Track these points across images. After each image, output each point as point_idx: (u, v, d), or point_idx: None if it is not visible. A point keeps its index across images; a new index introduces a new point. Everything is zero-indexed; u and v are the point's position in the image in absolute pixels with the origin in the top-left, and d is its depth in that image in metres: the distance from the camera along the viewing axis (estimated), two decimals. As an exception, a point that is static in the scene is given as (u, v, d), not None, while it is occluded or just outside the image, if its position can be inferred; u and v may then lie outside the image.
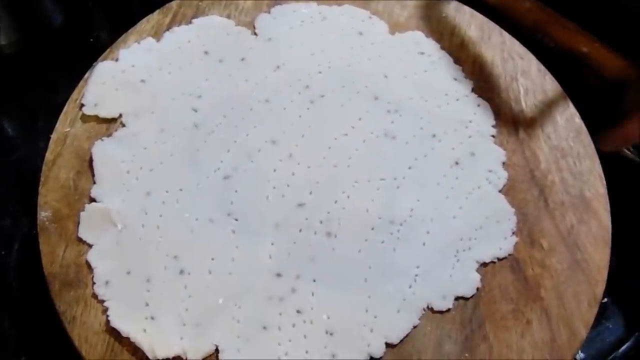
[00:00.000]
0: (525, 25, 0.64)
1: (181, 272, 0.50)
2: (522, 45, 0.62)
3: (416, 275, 0.50)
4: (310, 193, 0.53)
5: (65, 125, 0.56)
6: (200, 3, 0.63)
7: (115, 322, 0.48)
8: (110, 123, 0.56)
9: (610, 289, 0.52)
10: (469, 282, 0.51)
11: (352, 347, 0.48)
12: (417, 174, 0.55)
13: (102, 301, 0.49)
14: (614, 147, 0.59)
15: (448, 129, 0.57)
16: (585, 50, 0.61)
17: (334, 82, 0.59)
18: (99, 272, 0.50)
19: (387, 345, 0.48)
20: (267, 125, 0.56)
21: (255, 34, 0.62)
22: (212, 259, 0.50)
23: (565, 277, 0.51)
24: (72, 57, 0.69)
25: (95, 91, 0.57)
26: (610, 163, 0.57)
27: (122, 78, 0.58)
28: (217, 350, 0.47)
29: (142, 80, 0.58)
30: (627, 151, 0.61)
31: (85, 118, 0.56)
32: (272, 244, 0.51)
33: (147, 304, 0.49)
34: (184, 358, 0.47)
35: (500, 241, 0.52)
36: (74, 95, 0.57)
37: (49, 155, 0.55)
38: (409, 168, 0.55)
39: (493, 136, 0.57)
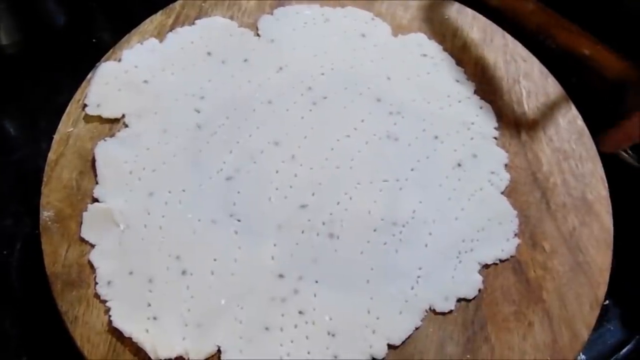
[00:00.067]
0: (528, 26, 0.64)
1: (183, 272, 0.50)
2: (524, 48, 0.62)
3: (418, 277, 0.50)
4: (313, 194, 0.53)
5: (67, 126, 0.56)
6: (203, 4, 0.63)
7: (118, 322, 0.48)
8: (113, 123, 0.56)
9: (612, 291, 0.52)
10: (471, 283, 0.51)
11: (354, 348, 0.48)
12: (420, 176, 0.55)
13: (105, 301, 0.49)
14: (614, 147, 0.59)
15: (450, 131, 0.57)
16: (587, 51, 0.61)
17: (336, 83, 0.59)
18: (101, 272, 0.50)
19: (389, 346, 0.48)
20: (270, 127, 0.56)
21: (258, 35, 0.62)
22: (215, 260, 0.51)
23: (567, 279, 0.51)
24: (75, 57, 0.69)
25: (98, 91, 0.57)
26: (612, 165, 0.57)
27: (125, 78, 0.58)
28: (219, 351, 0.47)
29: (145, 81, 0.58)
30: (625, 154, 0.61)
31: (88, 118, 0.56)
32: (275, 245, 0.51)
33: (149, 304, 0.49)
34: (186, 358, 0.47)
35: (502, 243, 0.52)
36: (77, 95, 0.57)
37: (51, 156, 0.55)
38: (412, 170, 0.55)
39: (495, 138, 0.57)
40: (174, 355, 0.47)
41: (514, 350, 0.48)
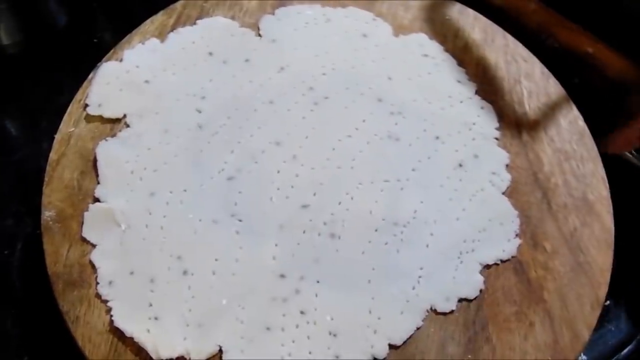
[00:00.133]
0: (530, 26, 0.64)
1: (185, 272, 0.50)
2: (525, 48, 0.62)
3: (419, 277, 0.50)
4: (314, 194, 0.53)
5: (69, 126, 0.56)
6: (204, 4, 0.63)
7: (119, 322, 0.48)
8: (115, 123, 0.56)
9: (613, 291, 0.52)
10: (472, 284, 0.51)
11: (356, 348, 0.48)
12: (421, 176, 0.55)
13: (106, 301, 0.49)
14: (619, 149, 0.59)
15: (451, 131, 0.57)
16: (589, 50, 0.61)
17: (337, 83, 0.59)
18: (102, 272, 0.50)
19: (391, 346, 0.48)
20: (271, 127, 0.56)
21: (260, 35, 0.62)
22: (216, 260, 0.50)
23: (568, 279, 0.51)
24: (76, 57, 0.69)
25: (99, 91, 0.57)
26: (613, 166, 0.57)
27: (126, 78, 0.58)
28: (220, 351, 0.47)
29: (146, 81, 0.58)
30: (629, 155, 0.61)
31: (89, 118, 0.56)
32: (276, 245, 0.51)
33: (150, 304, 0.49)
34: (188, 358, 0.47)
35: (503, 243, 0.52)
36: (78, 95, 0.57)
37: (53, 155, 0.55)
38: (413, 170, 0.55)
39: (496, 138, 0.57)
40: (175, 355, 0.47)
41: (515, 351, 0.48)
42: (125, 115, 0.57)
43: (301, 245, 0.51)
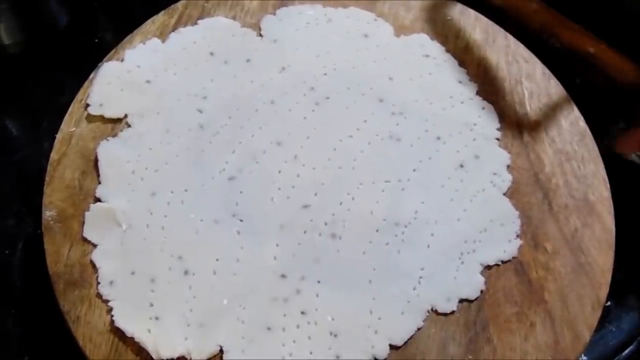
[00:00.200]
0: (531, 26, 0.64)
1: (186, 272, 0.50)
2: (526, 49, 0.62)
3: (420, 277, 0.50)
4: (315, 194, 0.53)
5: (70, 125, 0.56)
6: (205, 4, 0.63)
7: (120, 322, 0.48)
8: (116, 123, 0.56)
9: (614, 292, 0.52)
10: (473, 284, 0.51)
11: (356, 349, 0.48)
12: (422, 176, 0.55)
13: (107, 301, 0.49)
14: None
15: (453, 132, 0.57)
16: (591, 50, 0.61)
17: (339, 84, 0.59)
18: (103, 272, 0.50)
19: (391, 347, 0.48)
20: (273, 127, 0.56)
21: (261, 35, 0.62)
22: (217, 260, 0.51)
23: (569, 280, 0.51)
24: (77, 57, 0.69)
25: (101, 91, 0.57)
26: (614, 166, 0.57)
27: (127, 78, 0.58)
28: (221, 351, 0.47)
29: (148, 81, 0.58)
30: (634, 156, 0.61)
31: (90, 118, 0.56)
32: (277, 245, 0.51)
33: (151, 304, 0.49)
34: (188, 358, 0.47)
35: (504, 244, 0.52)
36: (79, 95, 0.57)
37: (54, 155, 0.55)
38: (414, 170, 0.55)
39: (497, 139, 0.57)
40: (176, 355, 0.47)
41: (515, 351, 0.48)
42: (126, 115, 0.57)
43: (302, 246, 0.51)
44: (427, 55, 0.61)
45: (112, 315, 0.48)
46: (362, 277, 0.50)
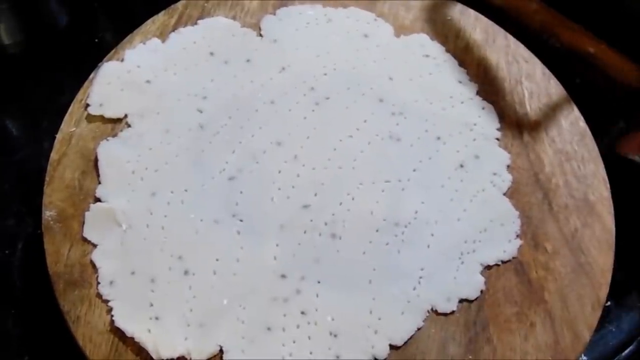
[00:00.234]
0: (532, 26, 0.64)
1: (186, 272, 0.50)
2: (526, 49, 0.62)
3: (420, 278, 0.50)
4: (315, 195, 0.53)
5: (70, 125, 0.56)
6: (205, 4, 0.63)
7: (120, 322, 0.48)
8: (116, 123, 0.56)
9: (614, 292, 0.52)
10: (473, 284, 0.51)
11: (356, 349, 0.48)
12: (422, 177, 0.55)
13: (107, 301, 0.49)
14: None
15: (453, 132, 0.57)
16: (591, 50, 0.61)
17: (339, 84, 0.59)
18: (103, 272, 0.50)
19: (391, 347, 0.48)
20: (273, 127, 0.56)
21: (261, 35, 0.62)
22: (217, 260, 0.51)
23: (569, 280, 0.51)
24: (77, 57, 0.69)
25: (101, 91, 0.57)
26: (614, 166, 0.57)
27: (127, 78, 0.58)
28: (221, 351, 0.47)
29: (148, 81, 0.58)
30: (637, 157, 0.61)
31: (90, 118, 0.56)
32: (277, 245, 0.51)
33: (151, 304, 0.49)
34: (188, 358, 0.47)
35: (504, 244, 0.52)
36: (79, 95, 0.57)
37: (54, 155, 0.55)
38: (414, 170, 0.55)
39: (497, 139, 0.57)
40: (176, 355, 0.47)
41: (515, 351, 0.48)
42: (126, 115, 0.57)
43: (302, 246, 0.51)
44: (427, 55, 0.61)
45: (112, 315, 0.48)
46: (362, 277, 0.50)
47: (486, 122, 0.58)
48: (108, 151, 0.55)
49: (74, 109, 0.57)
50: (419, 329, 0.49)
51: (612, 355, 0.58)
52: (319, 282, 0.50)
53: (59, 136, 0.56)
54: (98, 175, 0.54)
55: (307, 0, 0.63)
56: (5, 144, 0.67)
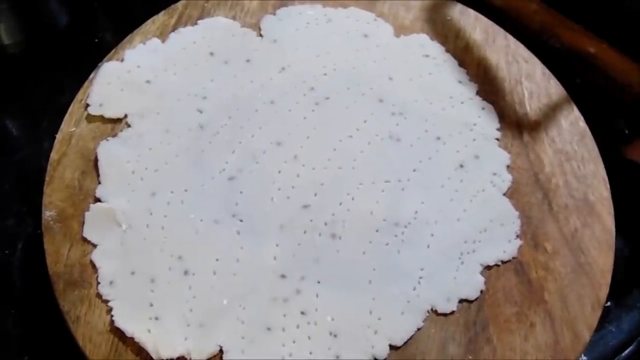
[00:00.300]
0: (532, 26, 0.64)
1: (186, 272, 0.50)
2: (526, 49, 0.62)
3: (420, 278, 0.50)
4: (315, 195, 0.53)
5: (70, 125, 0.56)
6: (205, 4, 0.63)
7: (120, 322, 0.48)
8: (116, 123, 0.56)
9: (614, 292, 0.52)
10: (473, 284, 0.51)
11: (356, 349, 0.48)
12: (422, 177, 0.55)
13: (107, 301, 0.49)
14: None
15: (453, 132, 0.57)
16: (592, 50, 0.61)
17: (339, 84, 0.59)
18: (103, 272, 0.50)
19: (391, 347, 0.48)
20: (272, 127, 0.56)
21: (261, 35, 0.62)
22: (217, 260, 0.51)
23: (569, 280, 0.51)
24: (77, 57, 0.69)
25: (101, 91, 0.57)
26: (614, 166, 0.57)
27: (127, 78, 0.58)
28: (221, 351, 0.47)
29: (148, 81, 0.58)
30: None
31: (90, 118, 0.56)
32: (277, 245, 0.51)
33: (151, 304, 0.49)
34: (188, 358, 0.47)
35: (504, 244, 0.52)
36: (79, 95, 0.57)
37: (54, 155, 0.55)
38: (414, 170, 0.55)
39: (497, 139, 0.57)
40: (176, 356, 0.47)
41: (515, 351, 0.48)
42: (126, 115, 0.57)
43: (302, 246, 0.51)
44: (427, 55, 0.61)
45: (112, 315, 0.48)
46: (362, 277, 0.50)
47: (486, 122, 0.58)
48: (108, 151, 0.55)
49: (74, 109, 0.57)
50: (418, 329, 0.49)
51: (612, 355, 0.58)
52: (318, 282, 0.50)
53: (59, 136, 0.56)
54: (98, 175, 0.54)
55: (307, 0, 0.63)
56: (5, 144, 0.67)
